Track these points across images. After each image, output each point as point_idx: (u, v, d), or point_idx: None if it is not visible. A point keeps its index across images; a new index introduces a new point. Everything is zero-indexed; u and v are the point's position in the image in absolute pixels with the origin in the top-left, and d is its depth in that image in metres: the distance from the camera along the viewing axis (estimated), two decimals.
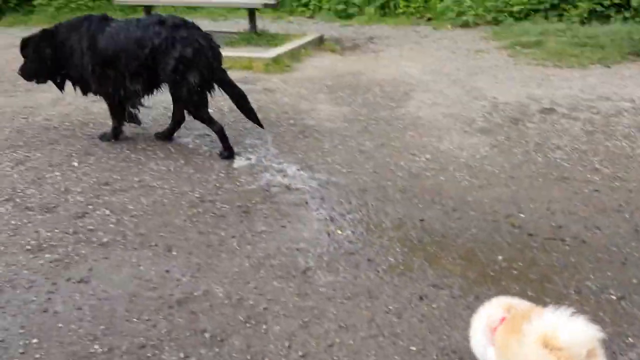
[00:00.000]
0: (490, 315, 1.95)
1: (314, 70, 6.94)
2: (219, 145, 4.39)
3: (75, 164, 4.10)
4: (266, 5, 7.99)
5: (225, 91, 4.35)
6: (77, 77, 4.35)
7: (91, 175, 3.90)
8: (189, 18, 10.43)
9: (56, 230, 3.19)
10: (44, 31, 4.37)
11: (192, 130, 4.78)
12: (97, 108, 5.36)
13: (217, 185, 3.78)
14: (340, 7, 10.70)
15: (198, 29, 4.21)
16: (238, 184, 3.81)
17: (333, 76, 6.63)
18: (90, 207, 3.46)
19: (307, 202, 3.53)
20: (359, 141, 4.55)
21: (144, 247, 3.04)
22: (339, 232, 3.19)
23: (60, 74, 4.43)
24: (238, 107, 4.44)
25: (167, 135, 4.58)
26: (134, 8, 10.57)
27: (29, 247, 3.02)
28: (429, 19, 10.08)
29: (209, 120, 4.30)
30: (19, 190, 3.68)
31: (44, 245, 3.04)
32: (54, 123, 4.92)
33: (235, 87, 4.36)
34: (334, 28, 9.90)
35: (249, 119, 4.48)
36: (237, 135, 4.68)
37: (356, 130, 4.82)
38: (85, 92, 4.48)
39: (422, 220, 3.29)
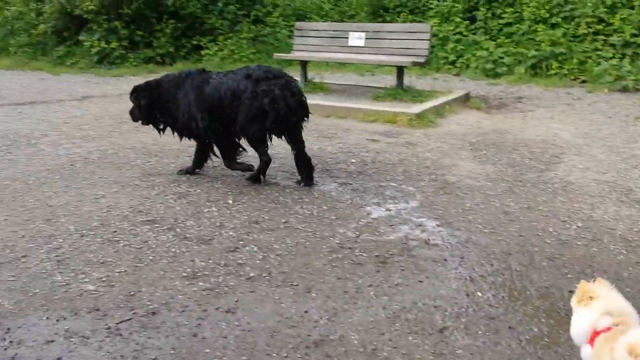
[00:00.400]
0: (598, 318, 2.10)
1: (458, 127, 6.92)
2: (361, 195, 4.54)
3: (230, 201, 4.42)
4: (415, 64, 8.16)
5: (290, 137, 4.70)
6: (175, 123, 4.88)
7: (243, 213, 4.18)
8: (338, 73, 10.94)
9: (210, 261, 3.44)
10: (147, 83, 4.99)
11: (335, 178, 4.96)
12: (251, 151, 5.78)
13: (357, 233, 3.87)
14: (489, 66, 10.64)
15: (278, 77, 4.57)
16: (377, 234, 3.87)
17: (477, 133, 6.57)
18: (240, 242, 3.70)
19: (445, 260, 3.49)
20: (503, 202, 4.43)
21: (286, 285, 3.18)
22: (479, 294, 3.10)
23: (159, 121, 4.99)
24: (296, 155, 4.75)
25: (306, 182, 4.79)
26: (289, 62, 11.34)
27: (185, 274, 3.28)
28: (584, 82, 9.67)
29: (263, 152, 4.71)
30: (180, 221, 4.03)
31: (198, 274, 3.29)
32: (214, 162, 5.36)
33: (301, 138, 4.72)
34: (481, 86, 9.84)
35: (298, 167, 4.79)
36: (378, 187, 4.77)
37: (500, 190, 4.70)
38: (181, 138, 5.02)
39: (571, 292, 3.08)
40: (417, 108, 7.44)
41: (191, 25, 13.03)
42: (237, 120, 4.58)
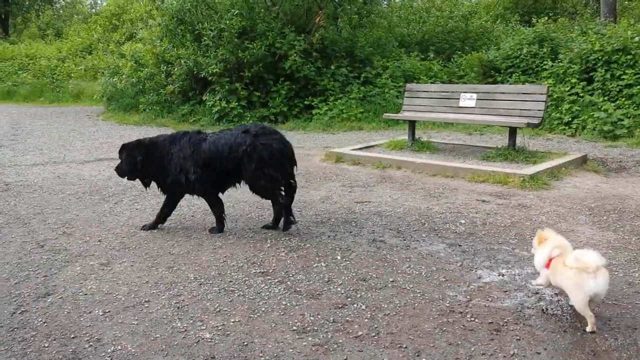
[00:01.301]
0: (552, 250, 3.55)
1: (575, 190, 6.61)
2: (471, 258, 4.45)
3: (338, 257, 4.49)
4: (529, 125, 7.96)
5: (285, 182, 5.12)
6: (165, 179, 5.13)
7: (351, 270, 4.23)
8: (445, 132, 10.98)
9: (319, 316, 3.49)
10: (138, 141, 5.25)
11: (443, 239, 4.90)
12: (358, 208, 5.87)
13: (468, 297, 3.77)
14: (607, 127, 10.18)
15: (274, 133, 5.05)
16: (489, 299, 3.74)
17: (596, 198, 6.23)
18: (349, 299, 3.72)
19: (565, 331, 3.29)
20: (626, 272, 4.15)
21: (394, 346, 3.14)
22: None
23: (149, 177, 5.24)
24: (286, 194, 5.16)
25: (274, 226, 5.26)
26: (396, 121, 11.53)
27: (295, 328, 3.35)
28: None
29: (277, 199, 5.11)
30: (290, 275, 4.14)
31: (308, 329, 3.34)
32: (322, 218, 5.51)
33: (293, 180, 5.19)
34: (598, 148, 9.38)
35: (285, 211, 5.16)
36: (489, 250, 4.64)
37: (624, 259, 4.40)
38: (167, 192, 5.27)
39: None
40: (530, 169, 7.22)
41: (304, 87, 13.66)
42: (243, 175, 5.00)
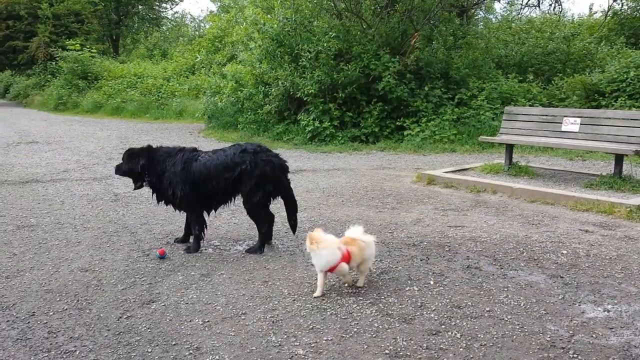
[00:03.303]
0: (340, 246, 4.15)
1: None
2: (574, 291, 4.25)
3: (431, 282, 4.42)
4: (638, 153, 7.50)
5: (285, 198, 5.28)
6: (159, 188, 5.25)
7: (445, 296, 4.14)
8: (544, 156, 10.53)
9: (411, 342, 3.44)
10: (142, 149, 5.32)
11: (543, 269, 4.70)
12: (452, 232, 5.76)
13: (570, 332, 3.58)
14: None
15: (268, 151, 5.17)
16: (594, 336, 3.53)
17: None
18: (442, 326, 3.65)
19: None
20: None
21: None
22: None
23: (143, 181, 5.32)
24: (287, 211, 5.35)
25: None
26: (491, 144, 11.23)
27: (387, 352, 3.32)
28: None
29: (261, 222, 5.19)
30: (382, 297, 4.12)
31: (401, 353, 3.30)
32: (414, 240, 5.44)
33: (293, 196, 5.35)
34: None
35: (289, 222, 5.38)
36: (594, 283, 4.40)
37: None
38: (159, 201, 5.38)
39: None
40: (638, 199, 6.78)
41: (397, 108, 13.65)
42: (240, 191, 5.09)
